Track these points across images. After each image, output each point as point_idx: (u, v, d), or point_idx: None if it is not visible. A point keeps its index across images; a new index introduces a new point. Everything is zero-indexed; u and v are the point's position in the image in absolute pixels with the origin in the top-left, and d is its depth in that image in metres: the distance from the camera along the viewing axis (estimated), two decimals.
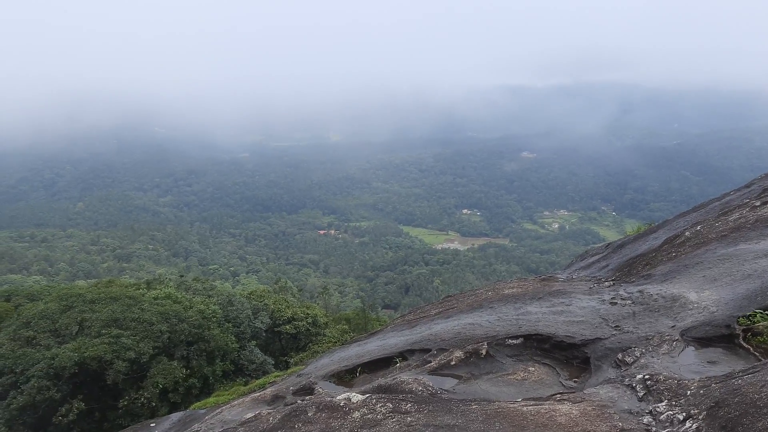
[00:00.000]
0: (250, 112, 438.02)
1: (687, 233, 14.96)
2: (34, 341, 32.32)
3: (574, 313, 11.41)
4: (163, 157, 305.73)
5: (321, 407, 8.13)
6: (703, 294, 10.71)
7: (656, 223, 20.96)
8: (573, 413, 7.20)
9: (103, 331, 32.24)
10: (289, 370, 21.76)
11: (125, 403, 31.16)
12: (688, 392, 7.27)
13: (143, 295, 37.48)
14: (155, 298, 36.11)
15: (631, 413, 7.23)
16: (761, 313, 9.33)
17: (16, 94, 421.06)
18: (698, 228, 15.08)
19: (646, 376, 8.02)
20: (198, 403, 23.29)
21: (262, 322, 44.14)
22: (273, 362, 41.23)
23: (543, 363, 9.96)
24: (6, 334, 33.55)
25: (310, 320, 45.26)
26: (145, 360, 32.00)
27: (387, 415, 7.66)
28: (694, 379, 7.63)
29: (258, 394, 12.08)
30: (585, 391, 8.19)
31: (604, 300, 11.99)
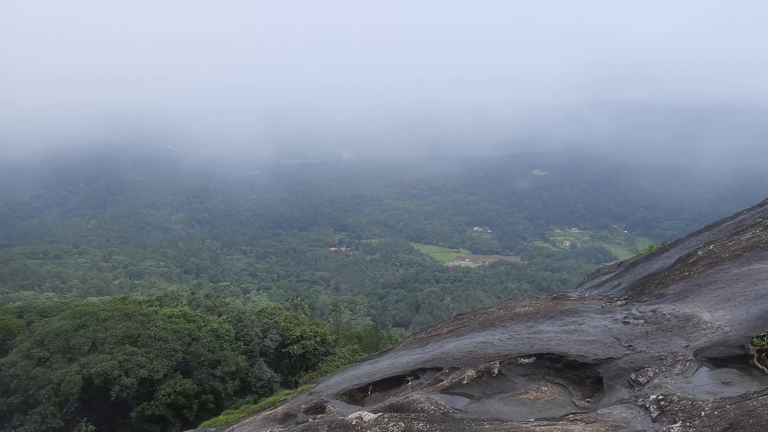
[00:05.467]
0: (263, 131, 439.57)
1: (700, 252, 14.89)
2: (47, 363, 32.43)
3: (587, 332, 11.36)
4: (176, 174, 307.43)
5: (333, 426, 8.14)
6: (717, 314, 10.65)
7: (668, 242, 20.88)
8: None
9: (116, 349, 32.34)
10: (299, 388, 21.69)
11: (135, 415, 31.16)
12: (703, 413, 7.22)
13: (156, 312, 37.55)
14: (169, 317, 36.16)
15: None
16: None
17: (31, 111, 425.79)
18: (711, 247, 15.01)
19: (660, 397, 7.98)
20: (207, 422, 23.20)
21: (271, 340, 43.95)
22: (280, 380, 41.03)
23: (555, 382, 9.92)
24: (19, 351, 33.70)
25: (318, 339, 44.93)
26: (158, 378, 32.03)
27: None
28: (708, 400, 7.59)
29: (269, 412, 12.07)
30: (598, 412, 8.16)
31: (616, 319, 11.94)
